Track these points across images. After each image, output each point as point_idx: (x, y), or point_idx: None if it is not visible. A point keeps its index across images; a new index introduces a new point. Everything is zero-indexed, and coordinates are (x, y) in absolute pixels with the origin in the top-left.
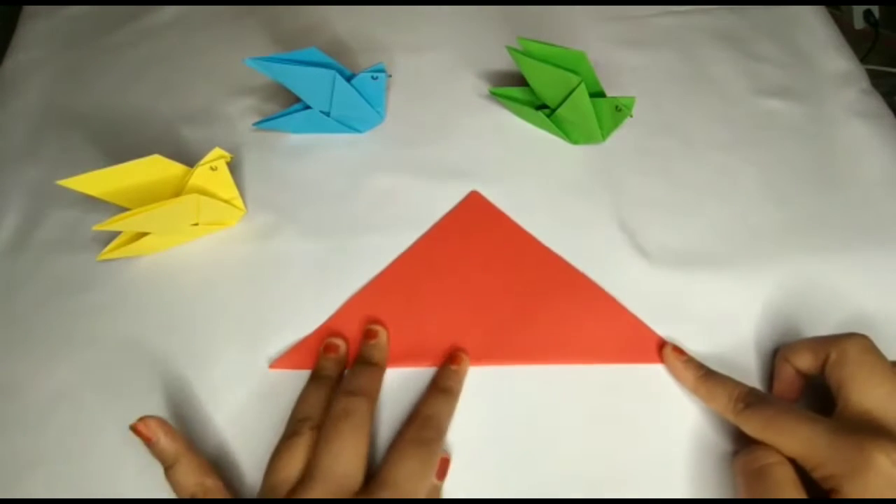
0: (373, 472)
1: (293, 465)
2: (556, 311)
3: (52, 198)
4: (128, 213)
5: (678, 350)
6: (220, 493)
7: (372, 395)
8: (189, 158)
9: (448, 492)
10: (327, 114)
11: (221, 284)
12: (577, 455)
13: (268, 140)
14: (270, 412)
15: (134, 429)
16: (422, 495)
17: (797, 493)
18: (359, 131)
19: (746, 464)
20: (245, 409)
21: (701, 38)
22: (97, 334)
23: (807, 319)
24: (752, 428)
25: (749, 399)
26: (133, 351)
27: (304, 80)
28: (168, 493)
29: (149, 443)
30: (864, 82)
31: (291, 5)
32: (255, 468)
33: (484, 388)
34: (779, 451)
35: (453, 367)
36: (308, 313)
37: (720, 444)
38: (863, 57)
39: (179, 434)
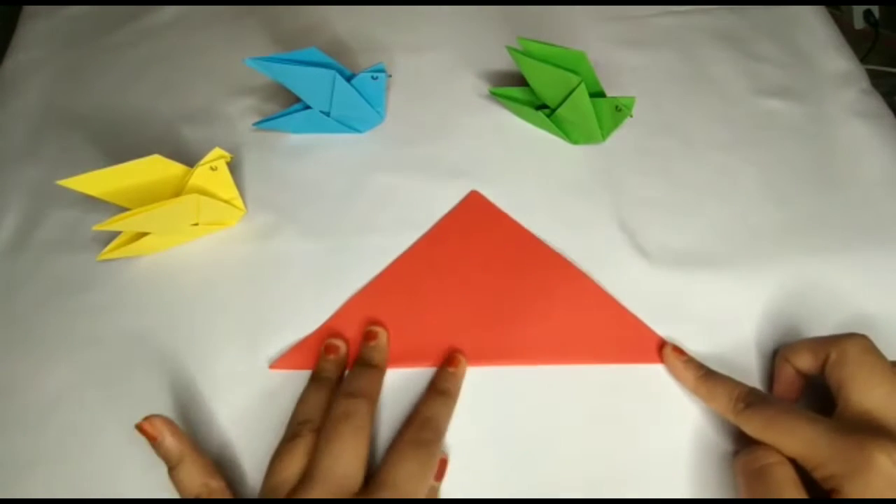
0: (372, 474)
1: (293, 467)
2: (556, 312)
3: (52, 198)
4: (128, 213)
5: (678, 350)
6: (225, 495)
7: (372, 397)
8: (189, 158)
9: (448, 492)
10: (327, 114)
11: (221, 284)
12: (577, 455)
13: (268, 140)
14: (271, 412)
15: (139, 428)
16: (421, 496)
17: (798, 493)
18: (359, 131)
19: (747, 464)
20: (245, 410)
21: (701, 38)
22: (97, 334)
23: (807, 319)
24: (752, 428)
25: (749, 399)
26: (133, 351)
27: (304, 80)
28: (168, 494)
29: (154, 442)
30: (864, 82)
31: (291, 5)
32: (256, 468)
33: (484, 388)
34: (779, 451)
35: (451, 370)
36: (308, 313)
37: (720, 444)
38: (863, 57)
39: (185, 434)
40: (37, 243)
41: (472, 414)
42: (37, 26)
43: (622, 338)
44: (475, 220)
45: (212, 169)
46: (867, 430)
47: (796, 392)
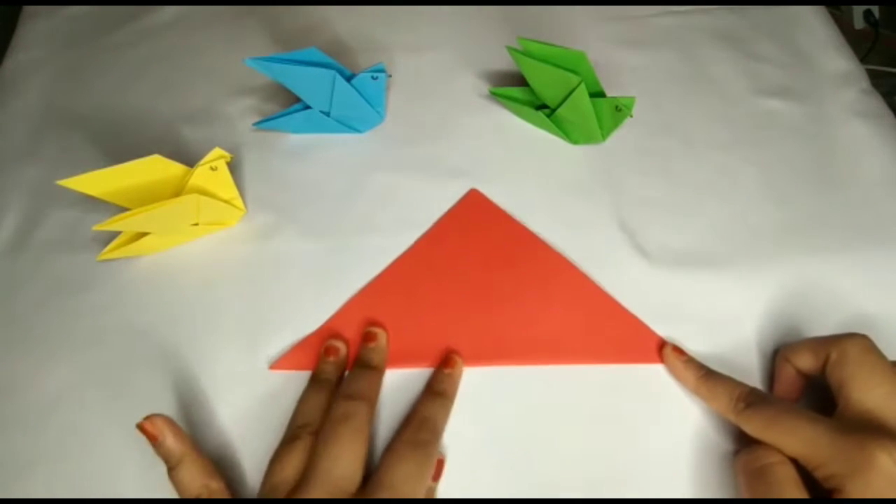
0: (370, 474)
1: (292, 468)
2: (556, 312)
3: (52, 198)
4: (128, 213)
5: (678, 350)
6: (224, 496)
7: (371, 399)
8: (189, 158)
9: (448, 492)
10: (327, 114)
11: (221, 284)
12: (577, 455)
13: (268, 140)
14: (270, 413)
15: (140, 427)
16: (419, 496)
17: (799, 492)
18: (359, 131)
19: (748, 463)
20: (245, 410)
21: (701, 38)
22: (97, 334)
23: (807, 319)
24: (753, 428)
25: (750, 399)
26: (133, 351)
27: (304, 80)
28: (169, 494)
29: (154, 442)
30: (864, 82)
31: (291, 5)
32: (256, 469)
33: (485, 388)
34: (780, 451)
35: (447, 371)
36: (308, 313)
37: (721, 443)
38: (863, 57)
39: (185, 434)
40: (37, 243)
41: (473, 414)
42: (37, 26)
43: (622, 338)
44: (475, 218)
45: (212, 169)
46: (868, 429)
47: (797, 392)
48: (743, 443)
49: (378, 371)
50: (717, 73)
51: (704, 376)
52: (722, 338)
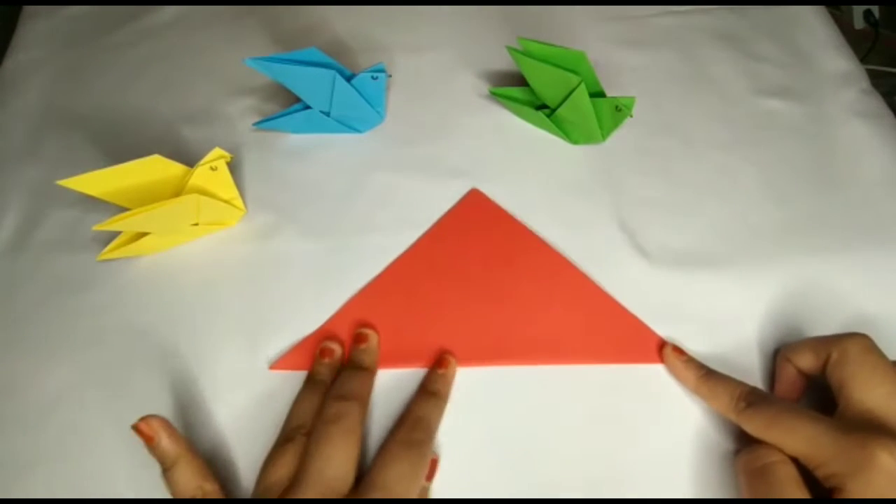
0: (363, 475)
1: (284, 470)
2: (556, 311)
3: (52, 198)
4: (128, 213)
5: (678, 350)
6: (219, 497)
7: (363, 399)
8: (189, 158)
9: (448, 491)
10: (327, 114)
11: (221, 284)
12: (577, 455)
13: (268, 140)
14: (270, 413)
15: (136, 428)
16: (412, 496)
17: (800, 491)
18: (359, 131)
19: (748, 462)
20: (245, 410)
21: (701, 38)
22: (97, 334)
23: (807, 319)
24: (754, 427)
25: (751, 398)
26: (133, 351)
27: (304, 80)
28: (168, 494)
29: (150, 443)
30: (864, 82)
31: (291, 5)
32: (256, 469)
33: (485, 387)
34: (781, 450)
35: (440, 371)
36: (308, 314)
37: (721, 443)
38: (863, 57)
39: (181, 435)
40: (37, 243)
41: (473, 414)
42: (37, 26)
43: (622, 338)
44: (475, 217)
45: (212, 169)
46: (869, 428)
47: (798, 392)
48: (743, 442)
49: (370, 372)
50: (717, 73)
51: (705, 376)
52: (722, 338)
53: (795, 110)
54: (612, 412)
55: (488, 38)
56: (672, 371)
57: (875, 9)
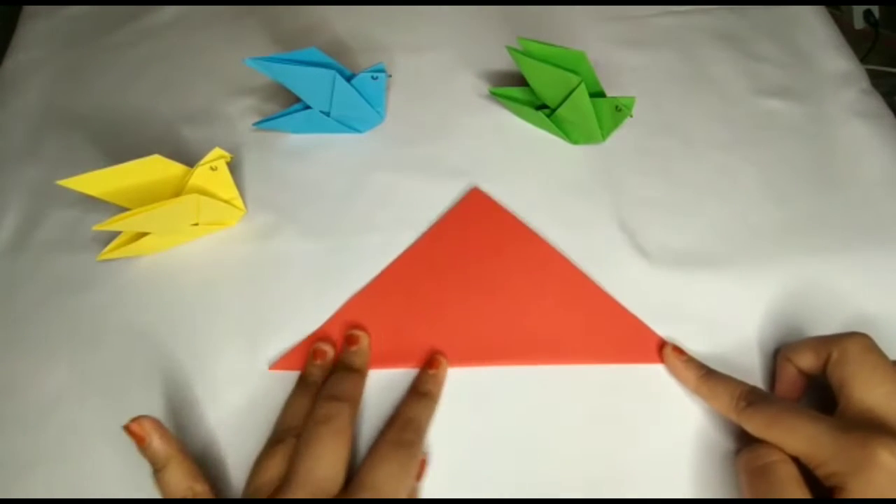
0: (353, 476)
1: (274, 470)
2: (556, 311)
3: (52, 198)
4: (128, 213)
5: (678, 350)
6: (209, 498)
7: (353, 400)
8: (189, 158)
9: (447, 491)
10: (327, 114)
11: (221, 284)
12: (577, 455)
13: (268, 140)
14: (270, 413)
15: (127, 429)
16: (401, 496)
17: (800, 491)
18: (359, 131)
19: (749, 462)
20: (245, 410)
21: (701, 38)
22: (97, 334)
23: (807, 319)
24: (754, 426)
25: (751, 397)
26: (133, 351)
27: (304, 80)
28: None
29: (141, 443)
30: (864, 82)
31: (291, 5)
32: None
33: (485, 387)
34: (781, 450)
35: (431, 372)
36: (308, 314)
37: (721, 443)
38: (863, 57)
39: (172, 436)
40: (37, 243)
41: (474, 413)
42: (37, 26)
43: (622, 338)
44: (476, 216)
45: (212, 169)
46: (869, 427)
47: (798, 391)
48: (744, 442)
49: (360, 373)
50: (717, 73)
51: (705, 376)
52: (722, 338)
53: (795, 110)
54: (612, 412)
55: (488, 38)
56: (672, 371)
57: (875, 9)
